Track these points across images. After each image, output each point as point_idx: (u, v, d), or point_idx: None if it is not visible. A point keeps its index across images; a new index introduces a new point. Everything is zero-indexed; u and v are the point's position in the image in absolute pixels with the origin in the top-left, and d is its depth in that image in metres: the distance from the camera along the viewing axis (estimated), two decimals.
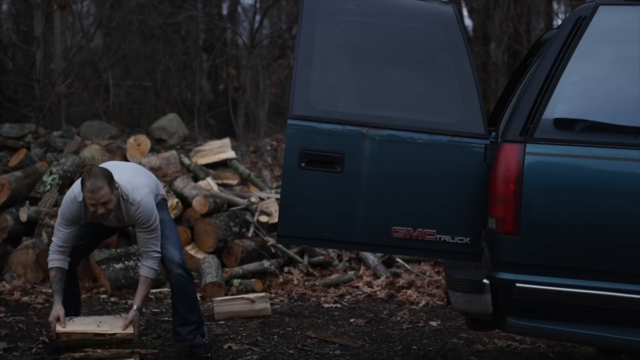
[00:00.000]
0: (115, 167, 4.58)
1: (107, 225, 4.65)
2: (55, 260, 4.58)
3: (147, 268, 4.57)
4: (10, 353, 4.77)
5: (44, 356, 4.70)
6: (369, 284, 6.80)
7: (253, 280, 6.65)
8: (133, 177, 4.57)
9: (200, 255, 6.90)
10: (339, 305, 6.23)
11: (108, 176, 4.30)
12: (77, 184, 4.47)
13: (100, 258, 6.48)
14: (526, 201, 3.46)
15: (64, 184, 7.20)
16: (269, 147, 9.69)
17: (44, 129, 9.44)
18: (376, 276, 6.98)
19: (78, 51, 12.17)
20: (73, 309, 4.79)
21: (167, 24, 13.22)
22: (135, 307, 4.54)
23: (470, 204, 3.71)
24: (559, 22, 12.93)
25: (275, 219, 7.29)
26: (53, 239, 4.59)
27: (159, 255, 4.57)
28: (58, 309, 4.49)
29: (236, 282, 6.64)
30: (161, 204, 4.75)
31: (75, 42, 12.71)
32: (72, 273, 4.72)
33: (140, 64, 14.05)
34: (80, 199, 4.39)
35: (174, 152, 7.98)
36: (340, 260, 7.36)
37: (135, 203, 4.43)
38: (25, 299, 6.15)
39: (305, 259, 7.25)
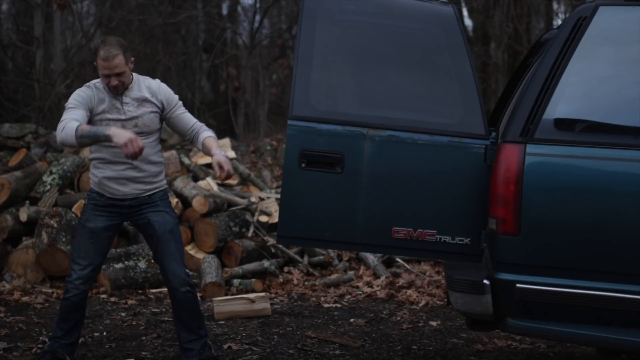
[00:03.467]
0: None
1: (126, 113, 4.20)
2: (74, 123, 3.97)
3: (208, 131, 4.35)
4: (10, 353, 4.77)
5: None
6: (369, 284, 6.81)
7: (253, 280, 6.66)
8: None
9: (200, 255, 6.90)
10: (339, 305, 6.23)
11: (123, 46, 4.11)
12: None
13: None
14: (526, 202, 3.46)
15: (64, 184, 7.20)
16: (269, 147, 9.70)
17: (44, 129, 9.45)
18: (376, 276, 6.99)
19: (78, 51, 12.17)
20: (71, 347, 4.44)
21: (167, 24, 13.24)
22: (220, 151, 4.19)
23: (471, 205, 3.71)
24: (559, 22, 12.93)
25: (275, 219, 7.29)
26: (65, 118, 4.03)
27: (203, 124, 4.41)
28: (123, 131, 3.95)
29: (236, 282, 6.65)
30: (165, 198, 4.47)
31: (75, 42, 12.72)
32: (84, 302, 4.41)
33: (140, 64, 14.06)
34: (92, 84, 4.20)
35: (174, 152, 7.99)
36: (340, 260, 7.36)
37: (154, 81, 4.32)
38: (25, 299, 6.15)
39: (305, 259, 7.25)
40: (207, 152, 4.28)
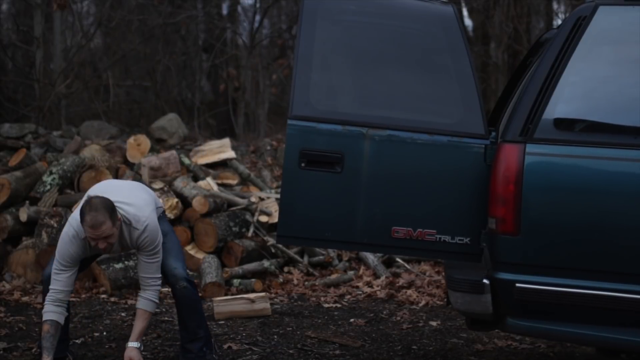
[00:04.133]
0: (111, 189, 4.27)
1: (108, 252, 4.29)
2: (51, 312, 4.12)
3: (146, 300, 4.25)
4: (10, 353, 4.77)
5: None
6: (368, 284, 6.80)
7: (253, 280, 6.65)
8: (131, 196, 4.23)
9: (200, 255, 6.90)
10: (339, 305, 6.23)
11: (109, 207, 3.97)
12: (75, 217, 4.10)
13: (100, 258, 6.48)
14: (526, 201, 3.46)
15: (64, 184, 7.20)
16: (269, 147, 9.70)
17: (44, 129, 9.45)
18: (376, 276, 6.98)
19: (78, 51, 12.17)
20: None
21: (167, 24, 13.23)
22: (133, 344, 4.23)
23: (470, 204, 3.71)
24: (559, 22, 12.93)
25: (275, 219, 7.29)
26: (51, 285, 4.16)
27: (159, 284, 4.28)
28: None
29: (236, 282, 6.65)
30: (162, 216, 4.47)
31: (75, 42, 12.71)
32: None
33: (140, 64, 14.06)
34: (83, 235, 4.06)
35: (174, 152, 7.98)
36: (340, 260, 7.36)
37: (139, 227, 4.11)
38: (25, 299, 6.15)
39: (305, 259, 7.25)
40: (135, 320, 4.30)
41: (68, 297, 4.19)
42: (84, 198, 4.15)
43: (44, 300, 4.25)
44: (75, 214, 4.12)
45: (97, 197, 4.05)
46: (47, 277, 4.29)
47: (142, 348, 4.31)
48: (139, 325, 4.26)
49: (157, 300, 4.29)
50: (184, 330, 4.43)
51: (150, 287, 4.25)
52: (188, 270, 6.39)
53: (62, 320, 4.16)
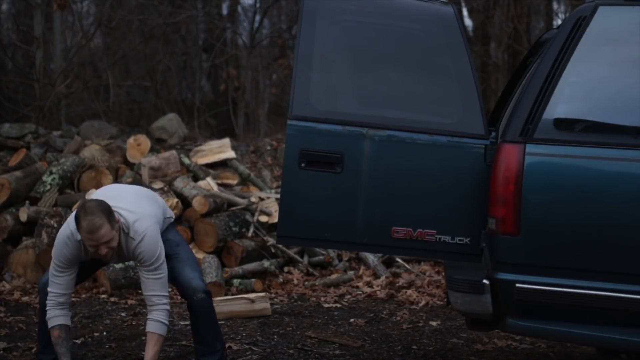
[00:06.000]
0: (115, 193, 4.07)
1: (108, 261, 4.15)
2: (57, 317, 3.97)
3: (155, 323, 3.94)
4: (10, 353, 4.77)
5: None
6: (368, 284, 6.81)
7: (253, 280, 6.66)
8: (136, 204, 3.98)
9: (200, 255, 6.89)
10: (338, 305, 6.23)
11: (106, 210, 3.75)
12: (72, 218, 3.88)
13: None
14: (526, 201, 3.46)
15: (64, 184, 7.20)
16: (269, 147, 9.70)
17: (44, 129, 9.45)
18: (376, 276, 6.99)
19: (78, 51, 12.17)
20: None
21: (167, 24, 13.23)
22: None
23: (470, 205, 3.71)
24: (559, 22, 12.93)
25: (275, 219, 7.29)
26: (50, 288, 3.99)
27: (167, 303, 3.97)
28: None
29: (236, 282, 6.65)
30: (171, 226, 4.28)
31: (75, 42, 12.71)
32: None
33: (140, 64, 14.06)
34: (79, 237, 3.84)
35: (174, 152, 7.98)
36: (340, 260, 7.36)
37: (136, 237, 3.87)
38: (25, 299, 6.15)
39: (305, 259, 7.25)
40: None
41: (69, 300, 4.04)
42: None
43: (41, 309, 4.12)
44: (72, 215, 3.94)
45: (92, 200, 3.86)
46: (42, 286, 4.14)
47: None
48: (149, 351, 3.95)
49: (166, 322, 3.97)
50: (200, 343, 4.17)
51: (156, 306, 3.95)
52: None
53: (69, 323, 4.03)
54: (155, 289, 3.95)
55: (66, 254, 3.93)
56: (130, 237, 3.89)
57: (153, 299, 3.95)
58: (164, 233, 4.12)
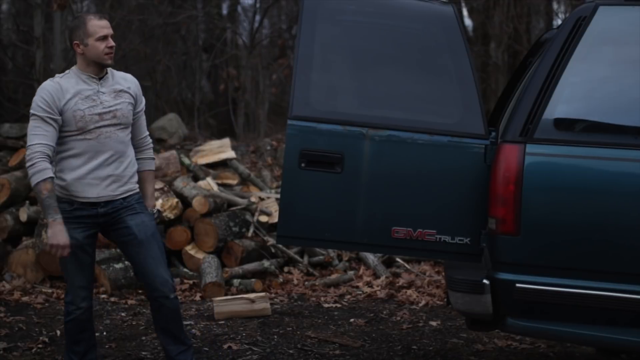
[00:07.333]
0: None
1: (103, 104, 3.87)
2: (45, 170, 3.72)
3: (151, 160, 4.15)
4: (10, 353, 4.77)
5: (44, 356, 4.70)
6: (368, 284, 6.81)
7: (253, 280, 6.66)
8: None
9: (200, 255, 6.90)
10: (338, 305, 6.23)
11: None
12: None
13: (100, 258, 6.48)
14: (526, 201, 3.46)
15: None
16: (269, 147, 9.70)
17: None
18: (376, 276, 6.99)
19: None
20: None
21: (167, 24, 13.23)
22: (153, 209, 4.08)
23: (470, 205, 3.71)
24: (559, 22, 12.93)
25: (275, 219, 7.29)
26: (36, 140, 3.74)
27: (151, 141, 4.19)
28: (63, 232, 3.76)
29: (236, 282, 6.65)
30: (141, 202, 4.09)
31: None
32: (90, 321, 4.07)
33: (140, 64, 14.05)
34: (57, 78, 3.85)
35: (174, 152, 7.98)
36: (340, 260, 7.36)
37: (128, 74, 4.08)
38: (25, 299, 6.15)
39: (305, 259, 7.25)
40: (141, 186, 4.07)
41: (53, 153, 3.81)
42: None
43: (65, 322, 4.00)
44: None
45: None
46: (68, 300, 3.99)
47: (157, 215, 4.11)
48: (150, 188, 4.13)
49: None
50: (173, 343, 4.04)
51: (149, 144, 4.16)
52: (187, 270, 6.30)
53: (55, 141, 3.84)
54: (145, 130, 4.15)
55: (45, 98, 3.78)
56: (123, 73, 4.05)
57: (147, 139, 4.15)
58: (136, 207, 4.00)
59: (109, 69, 3.97)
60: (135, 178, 4.02)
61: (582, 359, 4.84)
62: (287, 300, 6.40)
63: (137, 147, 4.10)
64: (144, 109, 4.13)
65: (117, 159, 3.90)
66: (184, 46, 14.84)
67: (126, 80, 4.02)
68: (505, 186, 3.48)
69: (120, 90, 3.95)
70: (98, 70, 3.91)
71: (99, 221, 3.92)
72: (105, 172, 3.88)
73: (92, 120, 3.85)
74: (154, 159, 4.18)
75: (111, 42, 3.88)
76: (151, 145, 4.18)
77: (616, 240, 3.44)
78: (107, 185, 3.89)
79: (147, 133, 4.17)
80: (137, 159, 4.06)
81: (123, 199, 3.92)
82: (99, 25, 3.86)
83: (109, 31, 3.89)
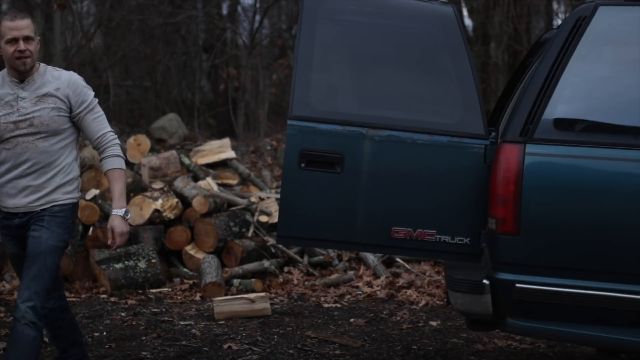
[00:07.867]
0: None
1: (20, 111, 3.65)
2: None
3: (116, 158, 3.77)
4: None
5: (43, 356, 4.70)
6: (368, 284, 6.81)
7: (253, 280, 6.66)
8: None
9: (200, 255, 6.90)
10: (338, 305, 6.23)
11: (31, 17, 3.65)
12: None
13: (100, 258, 6.48)
14: (526, 201, 3.46)
15: None
16: (269, 147, 9.69)
17: None
18: (376, 276, 6.98)
19: (78, 51, 12.17)
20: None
21: (167, 24, 13.22)
22: (117, 212, 3.71)
23: (470, 205, 3.71)
24: (559, 22, 12.92)
25: (275, 219, 7.28)
26: None
27: (116, 136, 3.81)
28: None
29: (236, 282, 6.65)
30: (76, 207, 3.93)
31: (75, 42, 12.71)
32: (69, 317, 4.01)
33: (140, 64, 14.05)
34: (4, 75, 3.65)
35: (174, 152, 7.98)
36: (340, 260, 7.36)
37: (61, 71, 3.76)
38: None
39: (305, 259, 7.25)
40: (109, 187, 3.80)
41: None
42: None
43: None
44: None
45: None
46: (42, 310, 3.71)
47: (128, 216, 3.75)
48: (119, 188, 3.74)
49: (123, 156, 3.84)
50: (75, 352, 3.99)
51: (111, 142, 3.78)
52: (187, 270, 6.25)
53: None
54: (105, 126, 3.79)
55: None
56: (62, 72, 3.77)
57: (107, 136, 3.78)
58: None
59: (45, 69, 3.72)
60: (70, 187, 3.81)
61: (582, 359, 4.84)
62: (287, 300, 6.40)
63: (97, 147, 3.81)
64: (92, 107, 3.77)
65: (38, 169, 3.68)
66: (184, 46, 14.83)
67: (58, 80, 3.73)
68: (505, 186, 3.48)
69: (45, 95, 3.69)
70: (18, 74, 3.67)
71: (18, 232, 3.74)
72: (23, 183, 3.68)
73: (7, 129, 3.65)
74: (119, 156, 3.80)
75: (21, 46, 3.58)
76: (114, 142, 3.79)
77: (616, 241, 3.44)
78: (25, 196, 3.69)
79: (107, 130, 3.79)
80: (100, 160, 3.83)
81: (42, 209, 3.70)
82: (8, 27, 3.59)
83: (20, 33, 3.58)
